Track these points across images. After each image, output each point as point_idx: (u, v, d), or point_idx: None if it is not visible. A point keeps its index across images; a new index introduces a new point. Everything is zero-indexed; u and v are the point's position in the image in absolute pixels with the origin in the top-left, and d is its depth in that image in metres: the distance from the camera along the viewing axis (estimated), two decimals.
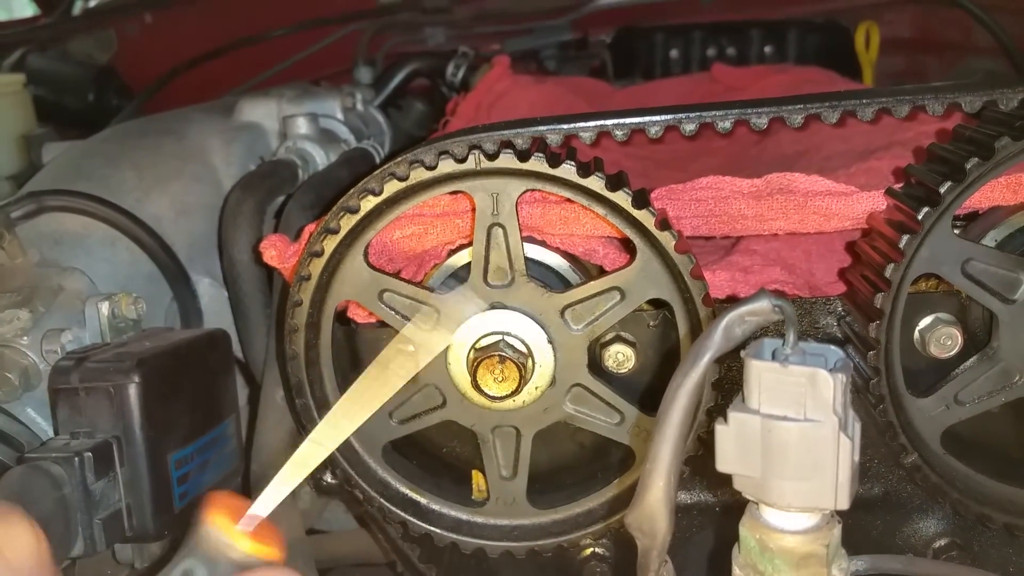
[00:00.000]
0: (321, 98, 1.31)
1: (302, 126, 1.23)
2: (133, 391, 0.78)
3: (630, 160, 1.36)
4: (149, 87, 2.00)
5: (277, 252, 0.89)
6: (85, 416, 0.78)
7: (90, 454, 0.74)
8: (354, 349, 0.93)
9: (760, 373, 0.57)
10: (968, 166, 0.75)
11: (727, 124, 0.79)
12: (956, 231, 0.85)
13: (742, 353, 0.58)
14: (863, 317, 0.80)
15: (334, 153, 1.24)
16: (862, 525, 0.93)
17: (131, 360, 0.80)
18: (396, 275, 0.85)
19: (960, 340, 0.85)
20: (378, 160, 1.29)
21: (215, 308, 1.11)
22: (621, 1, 2.01)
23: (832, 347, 0.58)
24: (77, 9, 2.20)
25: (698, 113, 0.78)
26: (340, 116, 1.31)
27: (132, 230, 1.01)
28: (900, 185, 0.84)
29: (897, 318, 0.80)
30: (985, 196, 0.82)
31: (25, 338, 0.86)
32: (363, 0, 2.09)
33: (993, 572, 0.81)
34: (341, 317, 0.90)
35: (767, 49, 1.97)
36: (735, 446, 0.58)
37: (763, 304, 0.57)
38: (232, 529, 0.60)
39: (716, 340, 0.58)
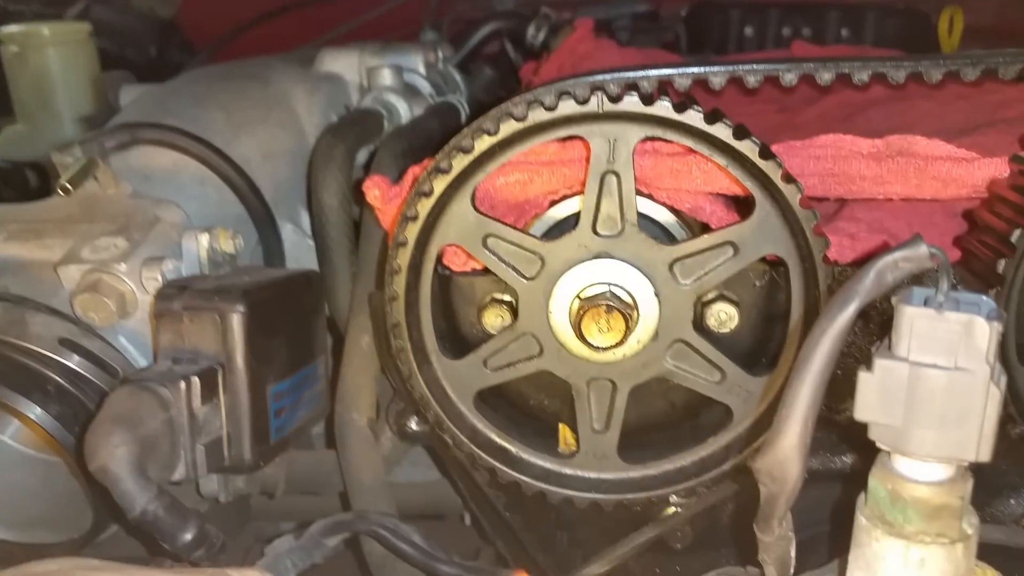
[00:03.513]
0: (404, 52, 1.30)
1: (387, 77, 1.22)
2: (238, 320, 0.78)
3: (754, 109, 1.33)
4: (212, 44, 1.99)
5: (380, 192, 0.88)
6: (188, 342, 0.78)
7: (197, 379, 0.73)
8: (447, 297, 0.92)
9: (912, 319, 0.55)
10: None
11: (864, 76, 0.76)
12: None
13: (893, 299, 0.57)
14: (981, 284, 0.78)
15: (417, 107, 1.23)
16: None
17: (236, 290, 0.80)
18: (504, 222, 0.84)
19: None
20: (464, 115, 1.28)
21: (296, 255, 1.11)
22: None
23: (984, 297, 0.56)
24: None
25: (835, 62, 0.76)
26: (423, 71, 1.30)
27: (223, 169, 1.01)
28: None
29: (1017, 285, 0.78)
30: None
31: (123, 265, 0.86)
32: None
33: None
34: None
35: (844, 32, 1.93)
36: (878, 394, 0.57)
37: (919, 250, 0.56)
38: None
39: (867, 285, 0.56)
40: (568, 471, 0.89)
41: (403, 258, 0.83)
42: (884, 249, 0.89)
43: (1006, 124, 1.03)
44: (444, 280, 0.91)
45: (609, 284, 0.82)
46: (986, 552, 0.78)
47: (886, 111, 1.23)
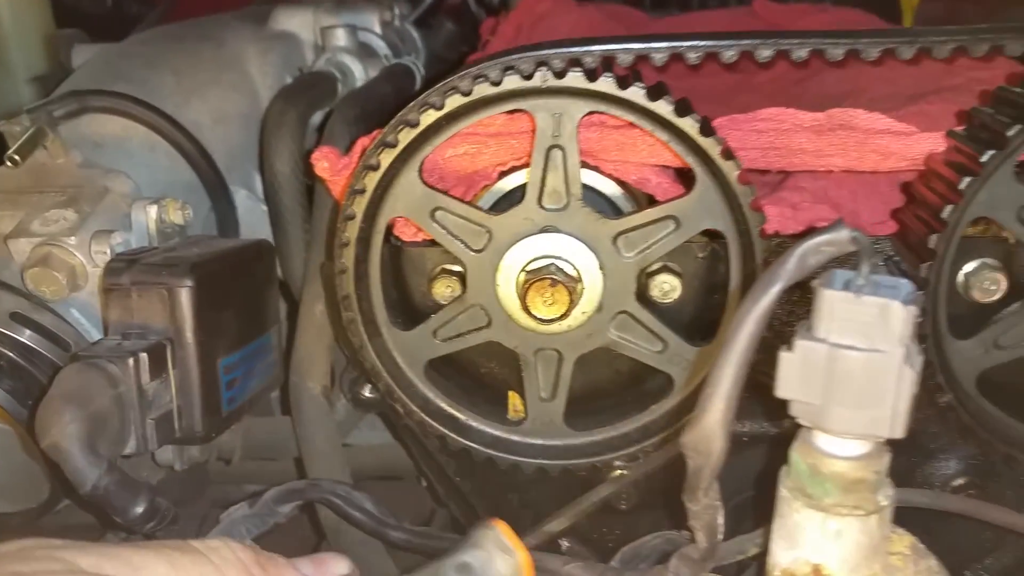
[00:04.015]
0: (359, 9, 1.28)
1: (341, 38, 1.20)
2: (186, 294, 0.78)
3: (676, 91, 1.34)
4: None
5: (329, 164, 0.88)
6: (137, 317, 0.78)
7: (145, 355, 0.74)
8: (398, 267, 0.93)
9: (831, 302, 0.57)
10: None
11: (802, 53, 0.77)
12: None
13: (813, 282, 0.58)
14: (914, 257, 0.81)
15: (372, 68, 1.22)
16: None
17: (184, 264, 0.80)
18: (451, 195, 0.84)
19: (1004, 286, 0.85)
20: (419, 78, 1.27)
21: (250, 221, 1.11)
22: None
23: (903, 280, 0.58)
24: None
25: (774, 40, 0.77)
26: (378, 30, 1.28)
27: (173, 135, 1.00)
28: (961, 128, 0.84)
29: (948, 260, 0.81)
30: None
31: (72, 238, 0.86)
32: None
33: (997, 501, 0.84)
34: (387, 235, 0.90)
35: None
36: (798, 373, 0.59)
37: (841, 235, 0.57)
38: (515, 538, 0.64)
39: (790, 268, 0.58)
40: (516, 438, 0.91)
41: (352, 231, 0.83)
42: (825, 219, 0.92)
43: (952, 92, 1.04)
44: (395, 251, 0.92)
45: (554, 257, 0.83)
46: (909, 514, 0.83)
47: (839, 75, 1.24)
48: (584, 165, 0.87)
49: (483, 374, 0.96)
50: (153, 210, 0.88)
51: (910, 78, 1.16)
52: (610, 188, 0.89)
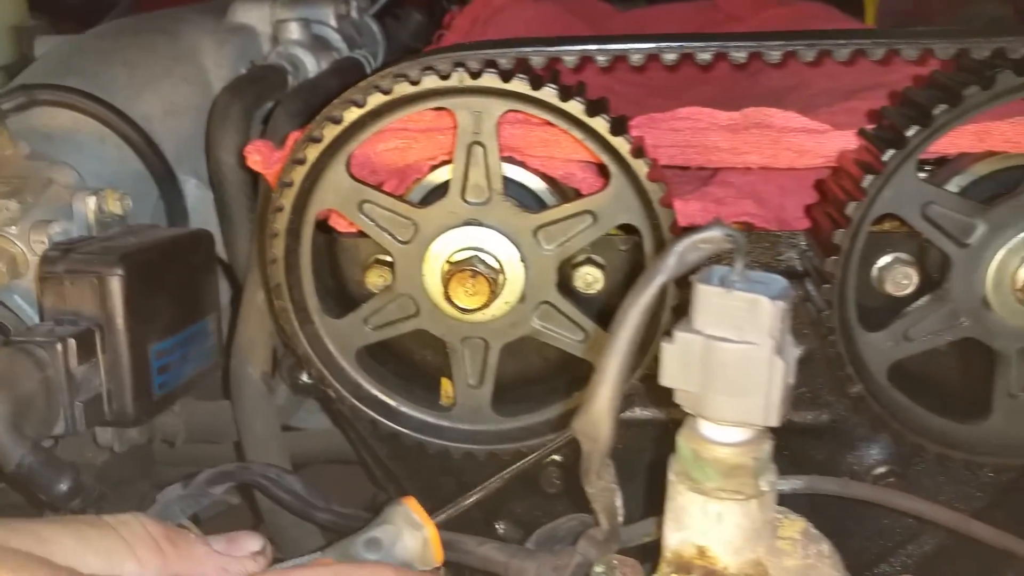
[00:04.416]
0: (314, 3, 1.31)
1: (294, 31, 1.23)
2: (116, 283, 0.81)
3: (624, 85, 1.36)
4: None
5: (262, 157, 0.91)
6: (69, 304, 0.81)
7: (73, 340, 0.77)
8: (334, 257, 0.96)
9: (706, 297, 0.60)
10: (935, 112, 0.77)
11: (706, 56, 0.80)
12: (923, 175, 0.88)
13: (691, 277, 0.61)
14: (822, 252, 0.83)
15: (325, 61, 1.25)
16: (808, 449, 0.98)
17: (116, 253, 0.83)
18: (377, 187, 0.87)
19: (916, 280, 0.88)
20: (369, 71, 1.29)
21: (201, 208, 1.14)
22: None
23: (777, 276, 0.61)
24: None
25: (680, 44, 0.79)
26: (333, 23, 1.31)
27: (121, 127, 1.03)
28: (872, 127, 0.86)
29: (854, 255, 0.83)
30: (952, 143, 0.84)
31: (13, 228, 0.89)
32: None
33: (923, 497, 0.87)
34: (325, 225, 0.93)
35: None
36: (678, 363, 0.62)
37: (715, 233, 0.60)
38: (424, 514, 0.68)
39: (669, 264, 0.61)
40: (445, 423, 0.94)
41: (280, 223, 0.86)
42: (749, 214, 0.94)
43: (884, 89, 1.07)
44: (331, 241, 0.95)
45: (477, 249, 0.86)
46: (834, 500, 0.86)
47: (785, 69, 1.26)
48: (510, 161, 0.90)
49: (418, 361, 0.99)
50: (92, 201, 0.91)
51: (851, 74, 1.18)
52: (535, 183, 0.91)
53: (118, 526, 0.60)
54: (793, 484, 0.86)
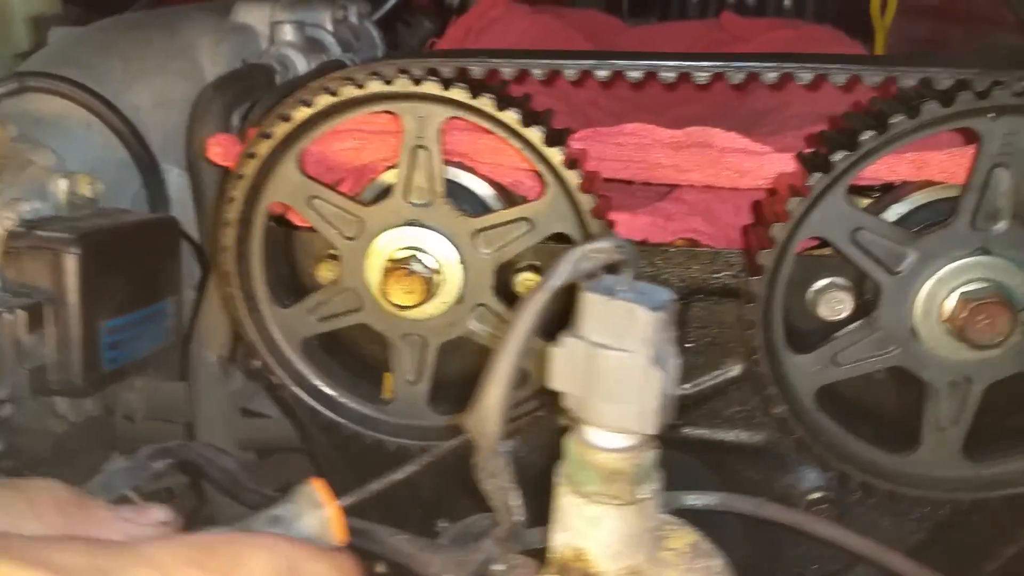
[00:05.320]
0: (312, 7, 1.35)
1: (288, 33, 1.27)
2: (72, 260, 0.86)
3: (611, 100, 1.38)
4: None
5: (223, 150, 0.95)
6: (27, 278, 0.86)
7: (22, 310, 0.82)
8: (291, 249, 1.00)
9: (591, 304, 0.62)
10: (862, 138, 0.78)
11: (637, 75, 0.82)
12: (867, 200, 0.89)
13: (581, 285, 0.63)
14: (749, 271, 0.85)
15: (317, 63, 1.29)
16: (743, 469, 0.99)
17: (76, 233, 0.87)
18: (326, 185, 0.91)
19: (851, 305, 0.88)
20: None
21: (183, 197, 1.19)
22: None
23: (663, 289, 0.62)
24: None
25: (610, 62, 0.82)
26: (329, 27, 1.35)
27: (107, 116, 1.08)
28: (811, 150, 0.87)
29: (780, 276, 0.84)
30: (891, 170, 0.85)
31: None
32: None
33: (853, 527, 0.87)
34: (286, 220, 0.96)
35: (786, 1, 1.95)
36: (565, 367, 0.64)
37: (607, 244, 0.63)
38: (328, 496, 0.70)
39: (564, 271, 0.63)
40: (382, 417, 0.97)
41: (232, 212, 0.90)
42: (697, 231, 0.96)
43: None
44: (289, 234, 0.99)
45: (417, 249, 0.89)
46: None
47: (770, 89, 1.26)
48: (460, 166, 0.93)
49: (365, 355, 1.02)
50: (64, 183, 0.96)
51: (829, 98, 1.19)
52: (483, 189, 0.94)
53: (26, 488, 0.64)
54: (706, 500, 0.87)
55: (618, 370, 0.62)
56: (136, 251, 0.95)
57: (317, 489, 0.75)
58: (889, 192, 0.89)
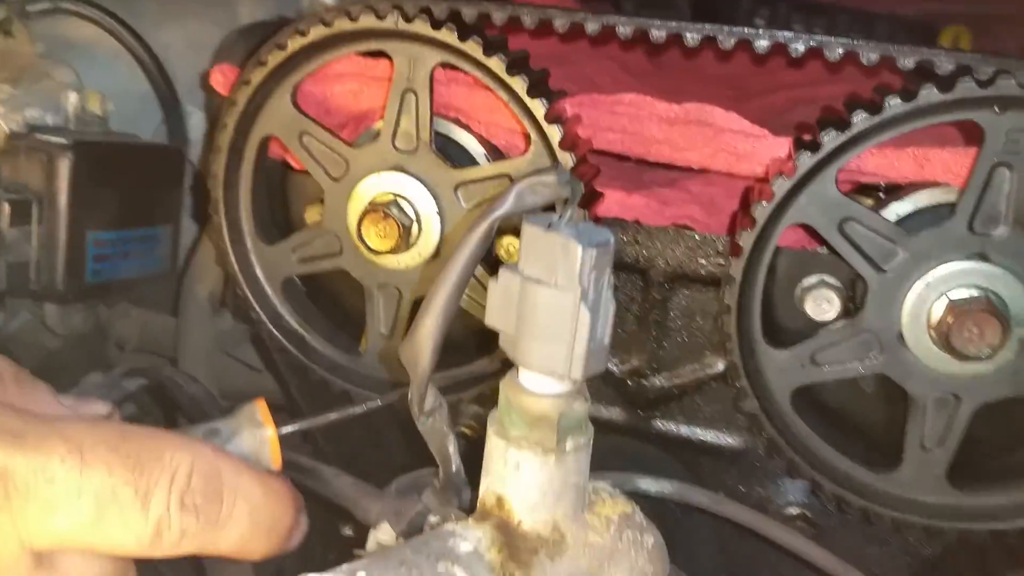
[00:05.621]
0: None
1: None
2: (64, 164, 0.88)
3: (625, 74, 1.34)
4: None
5: (224, 79, 0.96)
6: (21, 176, 0.88)
7: (7, 204, 0.84)
8: (285, 188, 1.00)
9: (529, 236, 0.60)
10: (853, 119, 0.74)
11: (626, 31, 0.80)
12: (870, 202, 0.85)
13: (524, 217, 0.61)
14: (730, 253, 0.81)
15: None
16: (718, 472, 0.94)
17: (72, 140, 0.89)
18: (316, 121, 0.91)
19: (839, 306, 0.84)
20: None
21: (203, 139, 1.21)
22: None
23: (604, 230, 0.60)
24: None
25: (602, 16, 0.80)
26: None
27: (134, 47, 1.11)
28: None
29: (761, 261, 0.81)
30: (892, 166, 0.81)
31: (0, 107, 0.97)
32: None
33: (832, 547, 0.81)
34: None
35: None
36: (500, 302, 0.62)
37: (553, 178, 0.61)
38: (268, 417, 0.71)
39: (508, 203, 0.61)
40: (354, 367, 0.96)
41: (223, 139, 0.91)
42: (692, 218, 0.93)
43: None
44: (284, 173, 0.99)
45: (398, 196, 0.88)
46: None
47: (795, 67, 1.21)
48: (457, 123, 0.92)
49: (348, 308, 1.01)
50: (74, 96, 0.98)
51: (854, 80, 1.13)
52: (475, 147, 0.92)
53: None
54: (662, 487, 0.83)
55: (547, 307, 0.59)
56: (135, 172, 0.97)
57: (260, 410, 0.74)
58: (892, 192, 0.85)
